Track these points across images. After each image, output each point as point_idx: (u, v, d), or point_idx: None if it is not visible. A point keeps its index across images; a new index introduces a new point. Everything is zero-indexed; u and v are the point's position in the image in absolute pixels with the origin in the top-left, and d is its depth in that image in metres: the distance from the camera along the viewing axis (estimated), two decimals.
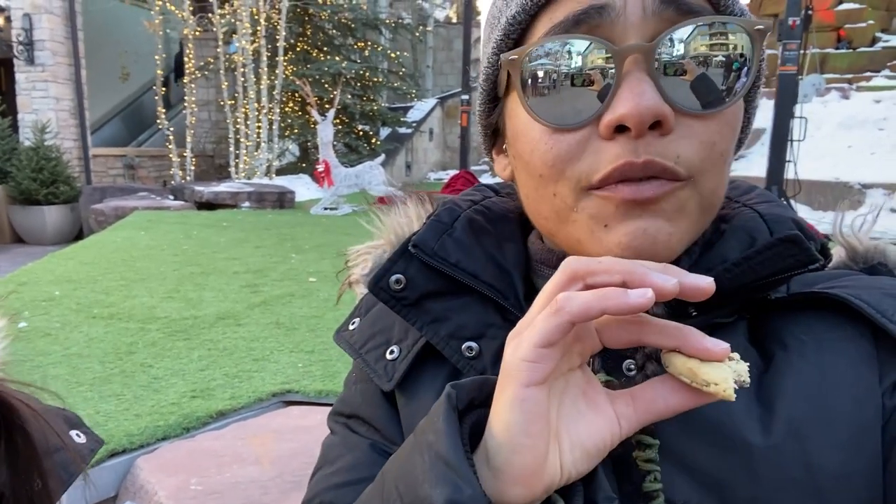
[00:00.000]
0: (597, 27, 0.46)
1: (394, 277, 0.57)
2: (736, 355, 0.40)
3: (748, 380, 0.39)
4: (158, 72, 12.08)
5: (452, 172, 11.79)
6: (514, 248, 0.59)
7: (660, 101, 0.44)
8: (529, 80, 0.49)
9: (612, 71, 0.46)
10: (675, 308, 0.51)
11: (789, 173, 6.67)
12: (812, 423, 0.46)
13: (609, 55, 0.46)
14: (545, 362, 0.39)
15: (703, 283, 0.38)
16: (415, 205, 0.73)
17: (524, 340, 0.40)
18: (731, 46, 0.47)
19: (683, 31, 0.46)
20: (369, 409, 0.64)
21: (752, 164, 9.23)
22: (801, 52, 6.41)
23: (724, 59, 0.47)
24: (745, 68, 0.47)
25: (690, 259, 0.53)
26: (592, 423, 0.42)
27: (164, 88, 12.15)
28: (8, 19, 11.01)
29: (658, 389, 0.42)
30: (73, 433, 0.62)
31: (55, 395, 0.63)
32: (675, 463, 0.47)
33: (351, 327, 0.68)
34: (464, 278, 0.56)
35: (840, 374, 0.48)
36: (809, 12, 6.38)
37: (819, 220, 7.60)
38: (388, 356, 0.61)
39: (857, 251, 0.61)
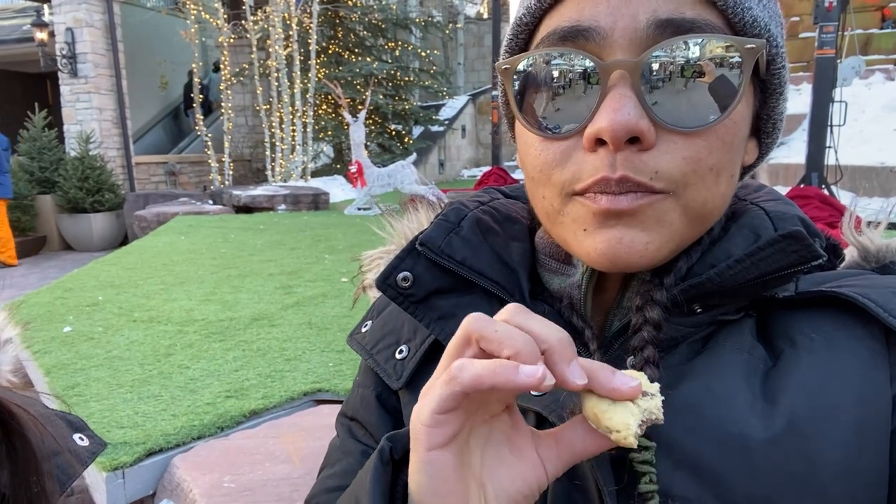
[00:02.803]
0: (584, 44, 0.47)
1: (401, 275, 0.59)
2: (654, 388, 0.40)
3: (661, 417, 0.39)
4: (196, 80, 12.36)
5: (486, 169, 11.78)
6: (521, 247, 0.61)
7: (637, 117, 0.45)
8: (520, 89, 0.50)
9: (599, 85, 0.46)
10: (679, 305, 0.51)
11: (830, 159, 6.48)
12: (814, 420, 0.46)
13: (596, 69, 0.46)
14: (445, 427, 0.40)
15: (576, 379, 0.39)
16: (426, 210, 0.75)
17: (424, 406, 0.41)
18: (719, 64, 0.47)
19: (671, 48, 0.46)
20: (366, 413, 0.67)
21: (793, 151, 8.98)
22: (840, 34, 6.20)
23: (709, 77, 0.47)
24: (733, 87, 0.47)
25: (690, 260, 0.53)
26: (516, 470, 0.43)
27: (201, 96, 12.42)
28: (51, 34, 11.41)
29: (577, 431, 0.43)
30: (75, 437, 0.65)
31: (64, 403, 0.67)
32: (675, 458, 0.47)
33: (363, 329, 0.70)
34: (470, 275, 0.57)
35: (847, 373, 0.47)
36: None
37: (864, 206, 7.35)
38: (398, 356, 0.64)
39: (869, 250, 0.60)
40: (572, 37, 0.47)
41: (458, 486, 0.41)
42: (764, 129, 0.55)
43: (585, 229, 0.49)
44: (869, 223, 0.62)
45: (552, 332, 0.40)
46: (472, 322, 0.40)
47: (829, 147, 6.43)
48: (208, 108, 14.09)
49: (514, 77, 0.51)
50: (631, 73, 0.46)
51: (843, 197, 6.78)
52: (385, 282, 0.59)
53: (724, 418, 0.47)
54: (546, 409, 0.50)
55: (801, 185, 6.13)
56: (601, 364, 0.40)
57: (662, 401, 0.40)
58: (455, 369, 0.39)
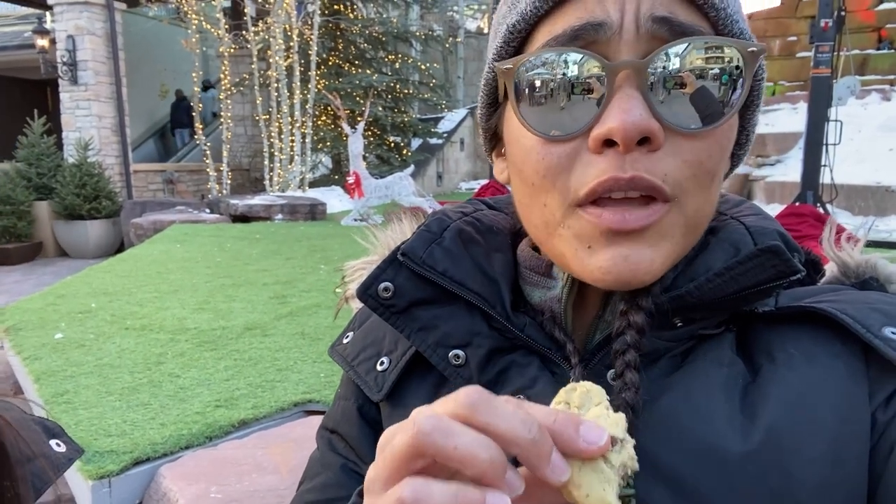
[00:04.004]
0: (592, 43, 0.47)
1: (382, 285, 0.58)
2: (620, 424, 0.37)
3: (636, 466, 0.36)
4: (196, 89, 12.40)
5: (484, 182, 11.81)
6: (503, 258, 0.60)
7: (648, 118, 0.45)
8: (523, 90, 0.50)
9: (605, 86, 0.46)
10: (658, 320, 0.51)
11: (825, 178, 6.51)
12: (791, 435, 0.46)
13: (602, 70, 0.46)
14: None
15: (558, 475, 0.35)
16: (409, 220, 0.75)
17: None
18: (722, 68, 0.47)
19: (676, 50, 0.46)
20: (346, 426, 0.67)
21: (789, 169, 9.02)
22: (836, 53, 6.25)
23: (714, 80, 0.47)
24: (736, 90, 0.48)
25: (675, 269, 0.53)
26: None
27: (201, 105, 12.46)
28: (52, 41, 11.45)
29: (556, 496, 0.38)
30: (52, 443, 0.65)
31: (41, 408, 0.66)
32: (653, 473, 0.47)
33: (345, 341, 0.70)
34: (451, 286, 0.57)
35: (825, 389, 0.47)
36: (843, 13, 6.23)
37: (860, 225, 7.34)
38: (379, 367, 0.63)
39: (849, 266, 0.60)
40: (583, 34, 0.47)
41: None
42: (738, 141, 0.55)
43: (590, 247, 0.48)
44: (849, 238, 0.62)
45: (522, 430, 0.34)
46: (426, 434, 0.33)
47: (825, 165, 6.47)
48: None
49: (516, 79, 0.50)
50: (637, 73, 0.46)
51: (839, 215, 6.81)
52: (366, 292, 0.59)
53: (703, 432, 0.47)
54: None
55: (797, 203, 6.16)
56: (563, 417, 0.36)
57: (634, 445, 0.37)
58: (409, 502, 0.33)
